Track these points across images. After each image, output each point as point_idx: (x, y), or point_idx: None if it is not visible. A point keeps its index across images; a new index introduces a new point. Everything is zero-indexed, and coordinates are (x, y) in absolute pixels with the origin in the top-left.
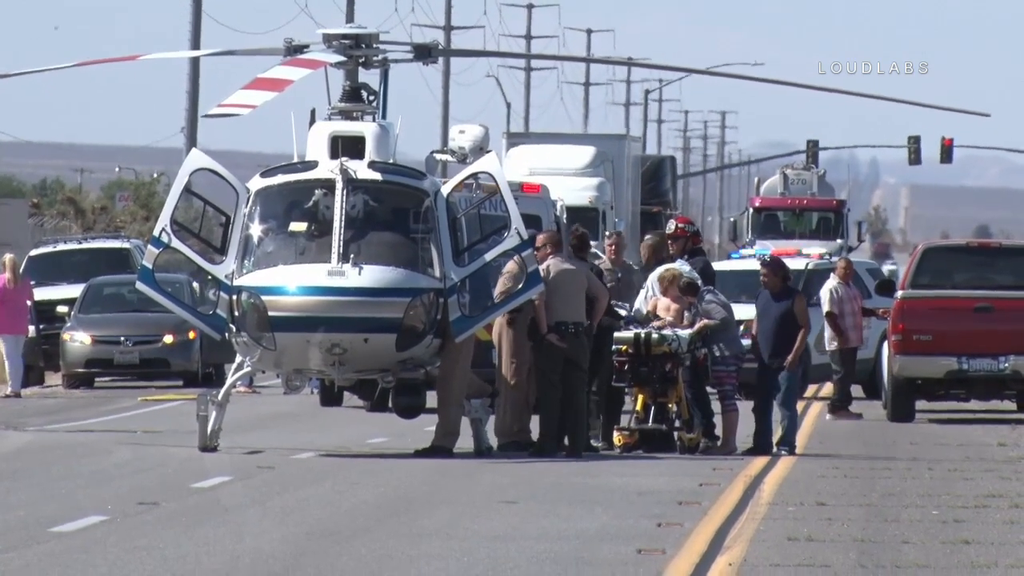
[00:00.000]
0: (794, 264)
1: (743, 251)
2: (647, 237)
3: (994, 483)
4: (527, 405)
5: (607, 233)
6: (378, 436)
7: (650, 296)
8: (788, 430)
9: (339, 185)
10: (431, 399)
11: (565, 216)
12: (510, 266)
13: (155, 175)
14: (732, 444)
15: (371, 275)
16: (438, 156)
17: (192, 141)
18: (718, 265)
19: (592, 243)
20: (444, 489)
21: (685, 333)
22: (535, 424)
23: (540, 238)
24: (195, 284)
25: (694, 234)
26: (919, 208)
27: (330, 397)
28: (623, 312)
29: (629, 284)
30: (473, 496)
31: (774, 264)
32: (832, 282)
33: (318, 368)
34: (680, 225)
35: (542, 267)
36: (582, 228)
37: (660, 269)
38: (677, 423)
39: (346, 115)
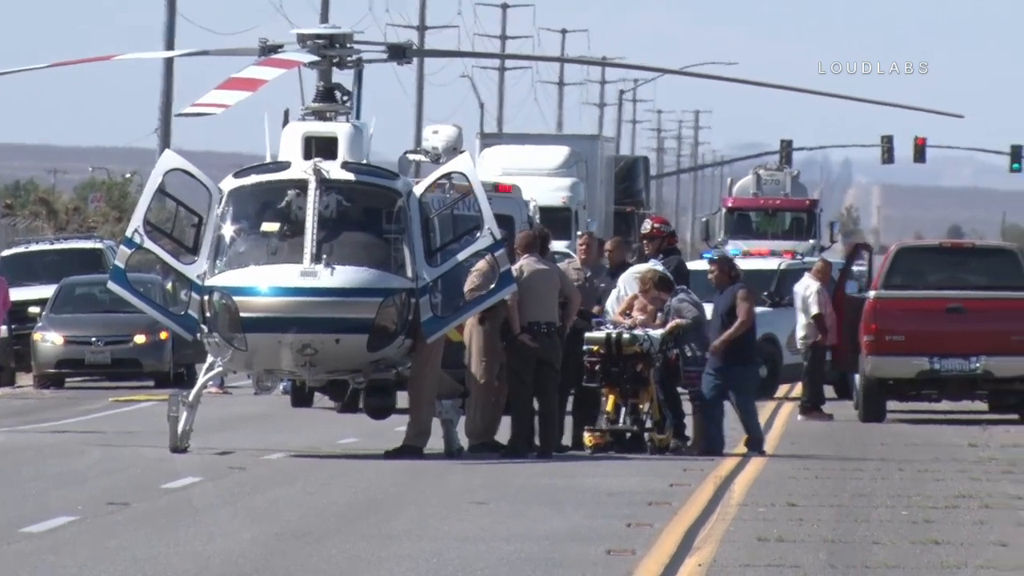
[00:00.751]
0: (767, 264)
1: (715, 251)
2: (607, 242)
3: (964, 484)
4: (497, 406)
5: (579, 233)
6: (349, 437)
7: (622, 296)
8: (750, 428)
9: (312, 185)
10: (402, 400)
11: (538, 216)
12: (480, 264)
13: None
14: (702, 446)
15: (343, 275)
16: (411, 156)
17: (166, 142)
18: (691, 265)
19: (564, 243)
20: (415, 490)
21: (657, 333)
22: (506, 425)
23: (520, 239)
24: (167, 284)
25: (669, 234)
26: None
27: (301, 398)
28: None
29: (594, 286)
30: (443, 497)
31: (719, 261)
32: (814, 284)
33: (289, 369)
34: (656, 225)
35: (515, 267)
36: (544, 228)
37: (639, 269)
38: (648, 423)
39: (319, 115)
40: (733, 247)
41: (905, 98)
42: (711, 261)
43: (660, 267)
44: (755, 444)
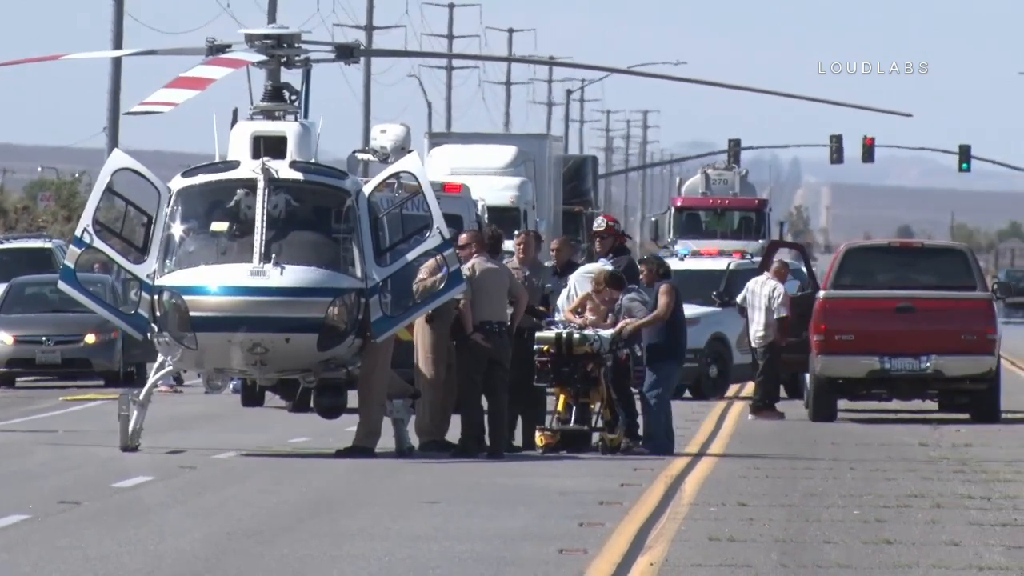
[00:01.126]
0: (716, 264)
1: (664, 251)
2: (553, 241)
3: (916, 483)
4: (446, 404)
5: (516, 232)
6: (300, 436)
7: (573, 295)
8: (651, 424)
9: (261, 185)
10: (352, 399)
11: (486, 216)
12: (428, 263)
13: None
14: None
15: (293, 275)
16: (360, 156)
17: (114, 141)
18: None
19: (512, 242)
20: (366, 489)
21: (607, 333)
22: (456, 424)
23: (464, 237)
24: (116, 284)
25: (620, 233)
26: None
27: (252, 397)
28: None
29: (533, 285)
30: (395, 496)
31: (647, 260)
32: (779, 284)
33: (240, 368)
34: (609, 223)
35: (467, 266)
36: (497, 228)
37: (590, 268)
38: (599, 423)
39: (268, 115)
40: (682, 247)
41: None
42: (640, 261)
43: (610, 266)
44: (632, 435)
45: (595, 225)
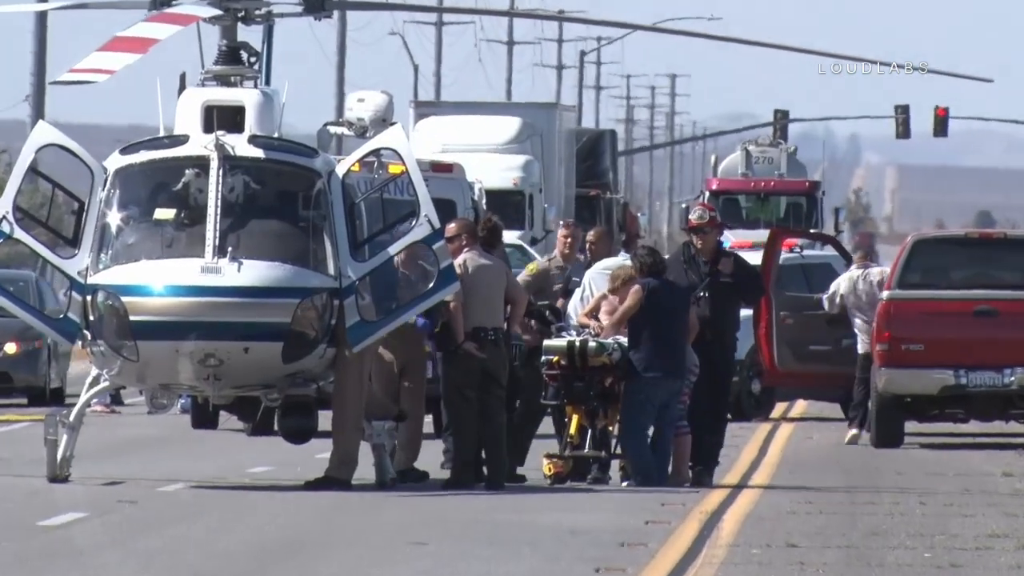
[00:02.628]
0: (759, 259)
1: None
2: (590, 232)
3: (997, 520)
4: (417, 426)
5: (563, 223)
6: (261, 464)
7: (588, 296)
8: (631, 455)
9: (214, 164)
10: (324, 420)
11: (484, 201)
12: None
13: None
14: (684, 474)
15: (253, 272)
16: (332, 129)
17: (39, 112)
18: None
19: (516, 234)
20: (341, 528)
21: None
22: (428, 451)
23: (452, 227)
24: (41, 282)
25: (722, 225)
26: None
27: (204, 418)
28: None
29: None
30: (375, 537)
31: (638, 254)
32: (876, 268)
33: (189, 383)
34: (711, 214)
35: (458, 262)
36: (494, 217)
37: (608, 264)
38: (618, 449)
39: (222, 80)
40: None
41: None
42: (633, 256)
43: (629, 261)
44: (604, 467)
45: (694, 215)
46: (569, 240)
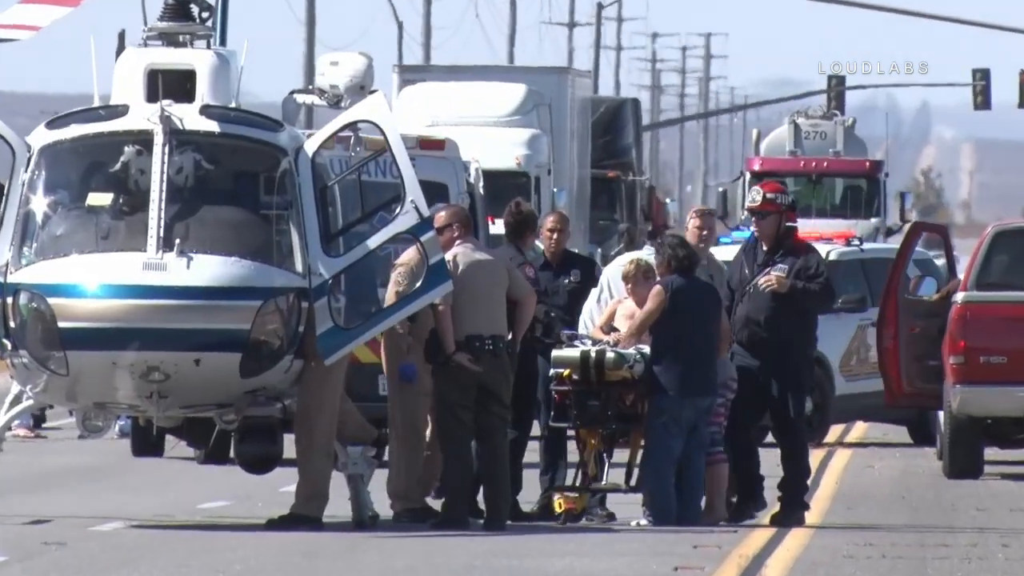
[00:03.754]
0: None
1: (737, 234)
2: (550, 215)
3: None
4: (433, 456)
5: (695, 210)
6: (215, 499)
7: (606, 299)
8: (648, 484)
9: (159, 139)
10: (290, 446)
11: (482, 184)
12: (408, 256)
13: None
14: (719, 510)
15: (205, 269)
16: (301, 98)
17: None
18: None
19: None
20: (311, 575)
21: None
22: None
23: (441, 215)
24: None
25: (790, 207)
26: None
27: (146, 443)
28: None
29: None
30: None
31: (664, 244)
32: None
33: (129, 401)
34: (768, 196)
35: (447, 257)
36: (524, 204)
37: (623, 260)
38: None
39: (169, 40)
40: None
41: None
42: (659, 248)
43: (652, 255)
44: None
45: (750, 199)
46: (705, 233)
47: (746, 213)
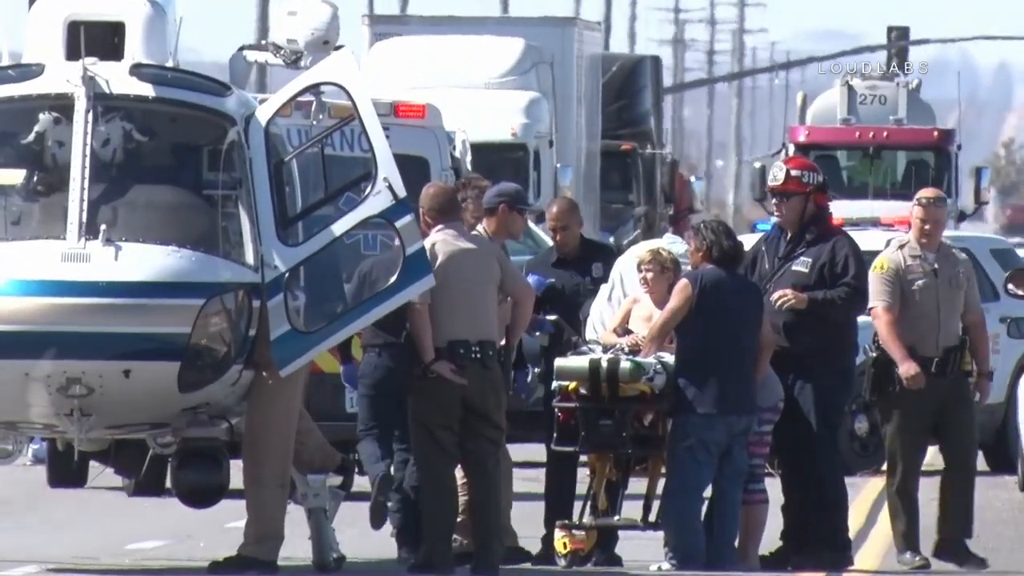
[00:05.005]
0: (867, 242)
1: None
2: (638, 209)
3: None
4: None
5: (918, 199)
6: (148, 538)
7: (619, 297)
8: (671, 521)
9: (81, 105)
10: (238, 473)
11: (470, 159)
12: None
13: None
14: (753, 558)
15: (136, 261)
16: (252, 56)
17: None
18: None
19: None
20: None
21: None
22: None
23: (426, 195)
24: None
25: (820, 188)
26: None
27: (65, 471)
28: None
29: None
30: None
31: (699, 228)
32: None
33: (45, 420)
34: (795, 172)
35: (426, 244)
36: (514, 187)
37: (638, 250)
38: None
39: None
40: None
41: None
42: (697, 231)
43: (679, 245)
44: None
45: (771, 176)
46: (929, 227)
47: (768, 194)
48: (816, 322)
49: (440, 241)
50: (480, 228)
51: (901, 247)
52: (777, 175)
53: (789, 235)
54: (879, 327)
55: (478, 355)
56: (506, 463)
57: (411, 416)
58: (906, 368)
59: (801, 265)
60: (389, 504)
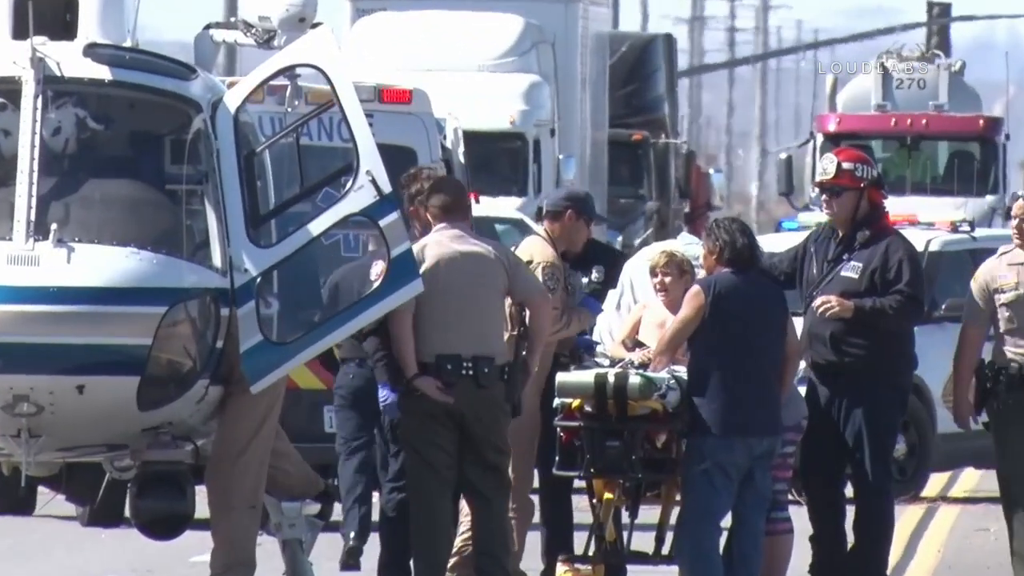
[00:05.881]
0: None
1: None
2: (650, 203)
3: None
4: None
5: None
6: (106, 572)
7: (627, 305)
8: (685, 554)
9: (30, 89)
10: (203, 501)
11: (463, 149)
12: (534, 247)
13: None
14: None
15: (91, 264)
16: (219, 35)
17: None
18: (764, 241)
19: (517, 202)
20: None
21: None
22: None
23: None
24: None
25: (874, 183)
26: None
27: (12, 498)
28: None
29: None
30: None
31: (713, 228)
32: None
33: None
34: (846, 165)
35: (415, 247)
36: (584, 192)
37: (651, 252)
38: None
39: None
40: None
41: None
42: (710, 230)
43: (696, 246)
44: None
45: (820, 170)
46: (575, 217)
47: (816, 190)
48: (867, 333)
49: (433, 243)
50: (540, 229)
51: (1002, 253)
52: (828, 168)
53: (840, 235)
54: None
55: (470, 371)
56: (526, 505)
57: (400, 437)
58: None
59: (851, 271)
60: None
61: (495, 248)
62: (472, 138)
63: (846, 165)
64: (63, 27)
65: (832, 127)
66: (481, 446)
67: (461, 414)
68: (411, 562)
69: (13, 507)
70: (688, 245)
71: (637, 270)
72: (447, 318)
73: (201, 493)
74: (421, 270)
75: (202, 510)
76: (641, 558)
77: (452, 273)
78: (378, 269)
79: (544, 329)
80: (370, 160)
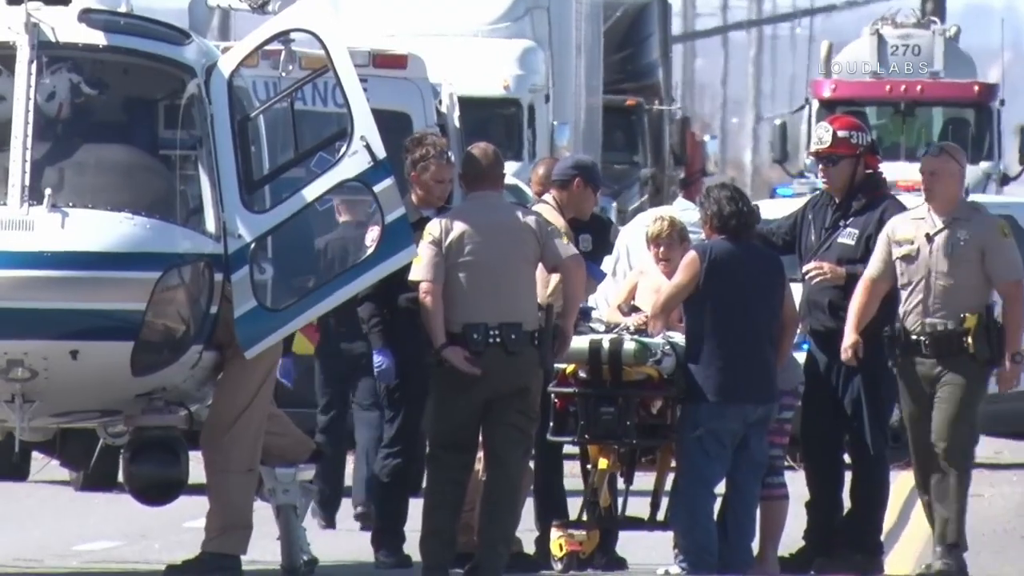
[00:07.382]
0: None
1: (798, 183)
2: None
3: None
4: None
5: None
6: (98, 538)
7: (623, 272)
8: (680, 520)
9: (24, 55)
10: (198, 466)
11: (458, 114)
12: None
13: None
14: (772, 560)
15: (85, 229)
16: (213, 1)
17: None
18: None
19: (513, 167)
20: None
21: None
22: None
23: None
24: None
25: (869, 149)
26: None
27: (6, 463)
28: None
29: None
30: None
31: (707, 195)
32: None
33: None
34: (841, 133)
35: (447, 216)
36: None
37: (647, 218)
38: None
39: None
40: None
41: None
42: (706, 196)
43: (693, 213)
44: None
45: (815, 138)
46: (579, 185)
47: (811, 157)
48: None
49: (463, 212)
50: (548, 198)
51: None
52: (823, 137)
53: (837, 202)
54: None
55: (497, 339)
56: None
57: (429, 402)
58: None
59: (847, 237)
60: (360, 510)
61: (526, 215)
62: (466, 103)
63: (841, 133)
64: None
65: (827, 93)
66: (504, 407)
67: (491, 387)
68: (404, 527)
69: (7, 472)
70: (684, 211)
71: (633, 236)
72: (476, 287)
73: (195, 458)
74: (450, 239)
75: (195, 475)
76: (636, 524)
77: (481, 242)
78: (372, 235)
79: (579, 294)
80: (364, 125)
